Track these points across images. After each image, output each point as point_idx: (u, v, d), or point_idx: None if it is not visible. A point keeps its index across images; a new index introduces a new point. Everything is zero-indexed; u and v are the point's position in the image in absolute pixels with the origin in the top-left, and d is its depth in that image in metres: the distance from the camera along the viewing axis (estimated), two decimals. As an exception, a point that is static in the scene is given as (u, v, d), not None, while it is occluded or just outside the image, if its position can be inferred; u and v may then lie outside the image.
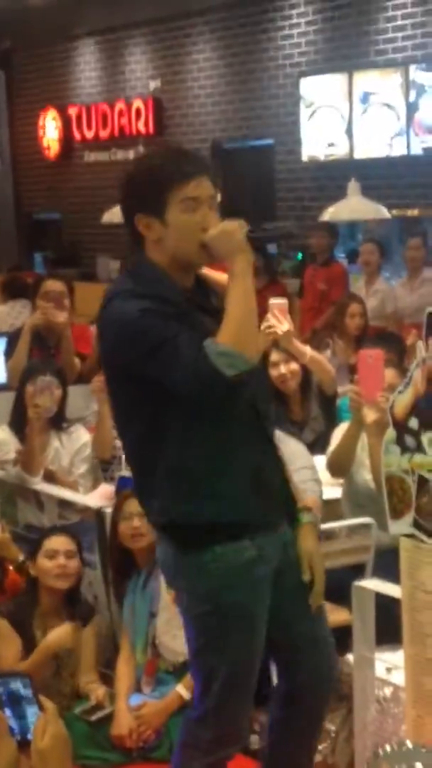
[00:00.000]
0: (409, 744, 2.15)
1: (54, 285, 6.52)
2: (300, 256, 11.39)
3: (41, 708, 2.51)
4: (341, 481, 5.03)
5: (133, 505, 4.46)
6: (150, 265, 3.11)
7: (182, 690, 4.26)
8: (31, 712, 2.51)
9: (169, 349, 2.97)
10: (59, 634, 4.41)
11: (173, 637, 4.35)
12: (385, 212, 9.22)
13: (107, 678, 4.54)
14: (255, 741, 4.36)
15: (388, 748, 2.14)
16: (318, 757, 3.93)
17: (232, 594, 3.10)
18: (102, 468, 5.65)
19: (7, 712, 2.51)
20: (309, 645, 3.30)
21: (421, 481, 2.84)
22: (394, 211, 9.78)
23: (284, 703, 3.39)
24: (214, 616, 3.11)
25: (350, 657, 3.74)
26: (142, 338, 2.99)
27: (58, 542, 4.57)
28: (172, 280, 3.11)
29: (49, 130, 15.37)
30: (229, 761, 3.35)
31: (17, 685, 2.54)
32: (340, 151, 11.08)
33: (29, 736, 2.48)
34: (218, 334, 3.00)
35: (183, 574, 3.15)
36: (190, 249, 3.08)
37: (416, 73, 10.35)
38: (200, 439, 3.06)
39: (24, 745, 2.49)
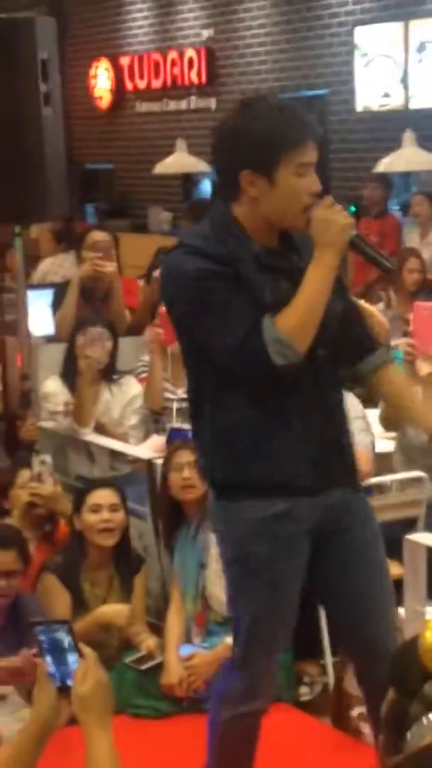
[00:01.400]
0: None
1: (100, 236, 6.47)
2: (353, 208, 11.28)
3: (81, 655, 2.51)
4: (393, 434, 5.00)
5: (183, 456, 4.47)
6: (232, 219, 3.03)
7: (232, 641, 4.27)
8: (72, 659, 2.51)
9: (220, 316, 2.94)
10: (115, 612, 4.36)
11: (223, 589, 4.35)
12: (440, 163, 9.11)
13: (158, 629, 4.56)
14: (305, 692, 4.38)
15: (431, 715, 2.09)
16: (368, 710, 3.93)
17: (254, 545, 3.08)
18: (153, 419, 5.65)
19: (48, 659, 2.52)
20: (368, 617, 3.20)
21: None
22: (451, 162, 9.65)
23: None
24: (237, 564, 3.13)
25: (402, 611, 3.73)
26: (194, 299, 2.98)
27: (102, 496, 4.51)
28: (252, 238, 3.02)
29: (101, 80, 15.30)
30: (261, 715, 3.29)
31: (60, 634, 2.55)
32: (396, 101, 10.93)
33: (69, 682, 2.49)
34: (280, 317, 2.95)
35: (219, 518, 3.17)
36: (292, 212, 3.00)
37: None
38: (235, 404, 3.04)
39: (64, 691, 2.50)
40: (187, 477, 4.43)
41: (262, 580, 3.11)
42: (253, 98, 3.11)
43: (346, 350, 3.18)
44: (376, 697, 3.08)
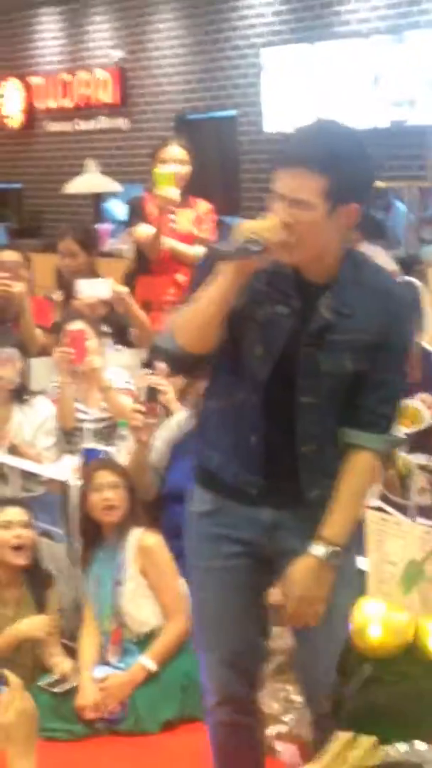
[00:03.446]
0: (419, 745, 2.07)
1: (9, 256, 6.39)
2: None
3: (6, 683, 2.48)
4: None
5: (103, 476, 4.45)
6: None
7: (146, 661, 4.26)
8: None
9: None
10: (31, 625, 4.39)
11: (138, 607, 4.35)
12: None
13: (72, 650, 4.53)
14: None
15: (400, 747, 2.06)
16: (284, 729, 3.94)
17: (185, 536, 3.15)
18: (66, 440, 5.62)
19: None
20: (303, 644, 3.13)
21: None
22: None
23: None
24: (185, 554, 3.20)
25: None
26: None
27: (13, 513, 4.52)
28: (290, 272, 2.89)
29: (11, 99, 15.23)
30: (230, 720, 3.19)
31: None
32: (303, 122, 11.01)
33: None
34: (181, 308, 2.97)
35: None
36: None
37: (380, 45, 10.30)
38: (212, 394, 3.07)
39: None
40: (108, 497, 4.41)
41: (192, 572, 3.16)
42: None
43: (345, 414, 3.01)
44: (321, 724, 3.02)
